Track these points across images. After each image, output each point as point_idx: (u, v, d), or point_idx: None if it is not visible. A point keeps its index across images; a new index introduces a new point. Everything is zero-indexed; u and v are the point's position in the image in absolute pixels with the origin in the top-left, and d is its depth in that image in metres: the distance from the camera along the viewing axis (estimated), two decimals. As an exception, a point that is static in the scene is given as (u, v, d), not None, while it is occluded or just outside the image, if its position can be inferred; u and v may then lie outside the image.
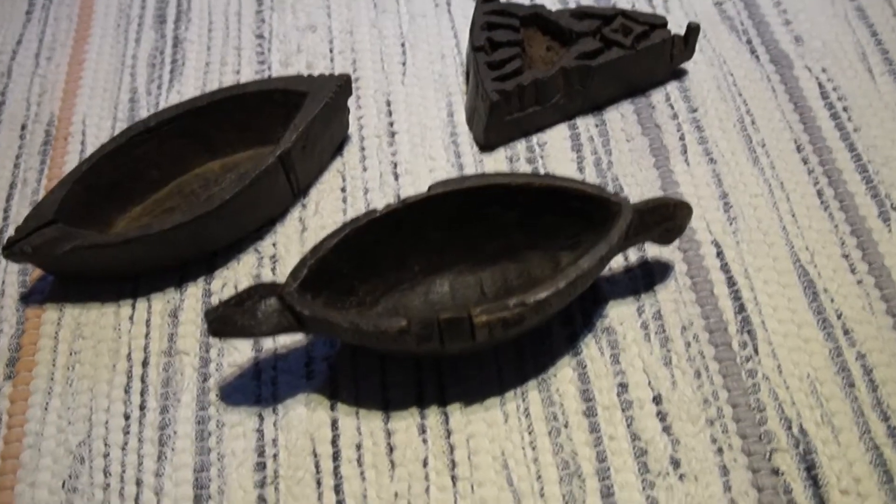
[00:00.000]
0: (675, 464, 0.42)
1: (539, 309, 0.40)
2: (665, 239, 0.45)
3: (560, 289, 0.40)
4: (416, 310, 0.45)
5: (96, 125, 0.56)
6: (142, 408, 0.45)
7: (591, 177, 0.51)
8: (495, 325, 0.39)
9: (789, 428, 0.42)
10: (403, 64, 0.57)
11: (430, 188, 0.44)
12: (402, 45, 0.58)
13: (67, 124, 0.57)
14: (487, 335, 0.40)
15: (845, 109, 0.53)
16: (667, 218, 0.43)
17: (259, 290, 0.41)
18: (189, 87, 0.57)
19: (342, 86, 0.50)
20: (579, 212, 0.44)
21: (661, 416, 0.43)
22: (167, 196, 0.51)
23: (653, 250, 0.48)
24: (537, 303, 0.39)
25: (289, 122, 0.49)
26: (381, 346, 0.41)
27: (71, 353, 0.47)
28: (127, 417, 0.45)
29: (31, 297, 0.50)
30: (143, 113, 0.56)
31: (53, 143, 0.56)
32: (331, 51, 0.58)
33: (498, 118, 0.51)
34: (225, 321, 0.41)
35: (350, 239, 0.43)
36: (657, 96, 0.54)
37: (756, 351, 0.45)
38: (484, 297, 0.45)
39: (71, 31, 0.62)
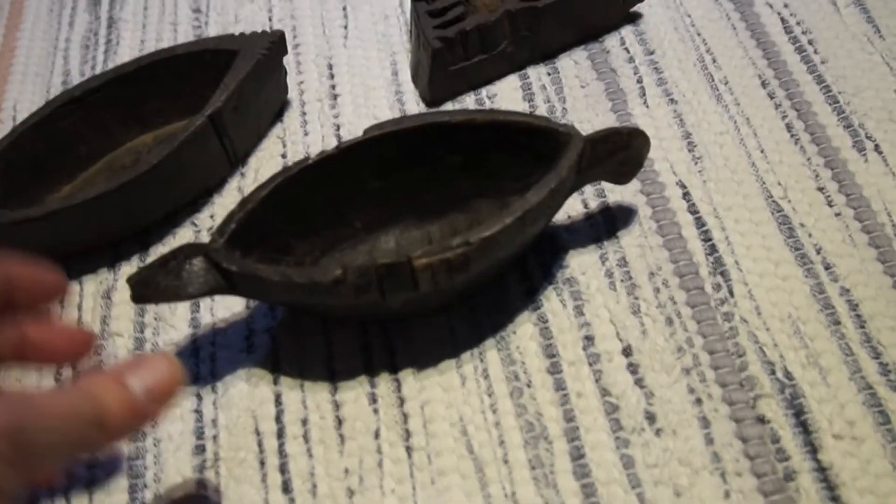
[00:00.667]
0: (651, 418, 0.36)
1: (485, 248, 0.34)
2: (622, 175, 0.39)
3: (507, 224, 0.34)
4: None
5: (27, 110, 0.50)
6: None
7: (546, 127, 0.46)
8: (438, 268, 0.33)
9: (773, 372, 0.37)
10: (345, 27, 0.52)
11: (365, 131, 0.38)
12: (344, 8, 0.53)
13: (-2, 110, 0.52)
14: (430, 281, 0.34)
15: (811, 42, 0.47)
16: (621, 147, 0.37)
17: (184, 250, 0.36)
18: (124, 67, 0.51)
19: (275, 42, 0.45)
20: (527, 149, 0.38)
21: (633, 368, 0.37)
22: (97, 173, 0.46)
23: (614, 195, 0.42)
24: (483, 241, 0.34)
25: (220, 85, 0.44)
26: (317, 301, 0.35)
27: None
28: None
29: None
30: (77, 95, 0.51)
31: (-17, 130, 0.51)
32: (270, 19, 0.52)
33: (442, 68, 0.45)
34: (147, 284, 0.35)
35: (282, 190, 0.37)
36: (611, 41, 0.49)
37: (731, 293, 0.39)
38: None
39: (2, 19, 0.56)
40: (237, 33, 0.51)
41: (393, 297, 0.35)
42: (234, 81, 0.43)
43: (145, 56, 0.45)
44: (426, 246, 0.39)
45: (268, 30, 0.51)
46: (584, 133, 0.37)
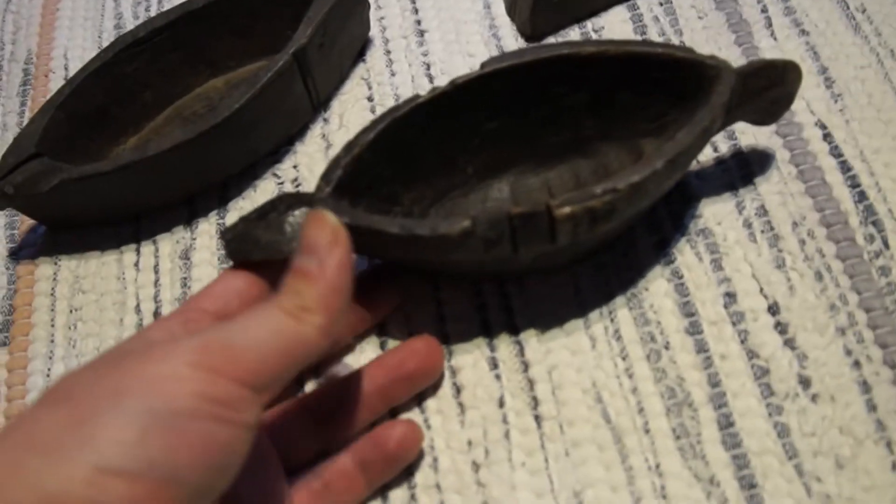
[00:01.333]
0: (805, 383, 0.33)
1: (633, 196, 0.31)
2: (770, 114, 0.36)
3: (657, 169, 0.31)
4: None
5: (80, 58, 0.47)
6: (155, 366, 0.37)
7: (659, 64, 0.42)
8: (581, 218, 0.30)
9: (939, 331, 0.34)
10: (433, -45, 0.48)
11: (482, 65, 0.35)
12: (425, -68, 0.49)
13: (47, 60, 0.48)
14: (571, 232, 0.31)
15: (954, -36, 0.44)
16: (775, 83, 0.34)
17: (285, 200, 0.32)
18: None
19: (360, -26, 0.41)
20: (664, 84, 0.35)
21: (781, 328, 0.34)
22: (165, 122, 0.43)
23: (746, 137, 0.39)
24: (631, 187, 0.31)
25: (298, 25, 0.40)
26: (440, 258, 0.32)
27: (71, 311, 0.40)
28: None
29: (22, 251, 0.42)
30: (132, 39, 0.47)
31: (33, 82, 0.48)
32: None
33: (544, 1, 0.42)
34: (244, 238, 0.32)
35: (390, 132, 0.34)
36: (728, -34, 0.45)
37: (886, 244, 0.36)
38: None
39: (43, -45, 0.52)
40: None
41: (527, 251, 0.32)
42: (318, 14, 0.39)
43: (215, -10, 0.42)
44: (546, 195, 0.36)
45: (341, -39, 0.48)
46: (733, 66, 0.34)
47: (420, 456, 0.33)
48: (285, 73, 0.38)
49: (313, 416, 0.33)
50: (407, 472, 0.33)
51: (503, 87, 0.35)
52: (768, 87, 0.34)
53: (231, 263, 0.32)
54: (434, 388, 0.35)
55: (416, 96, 0.35)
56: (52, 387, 0.26)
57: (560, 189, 0.37)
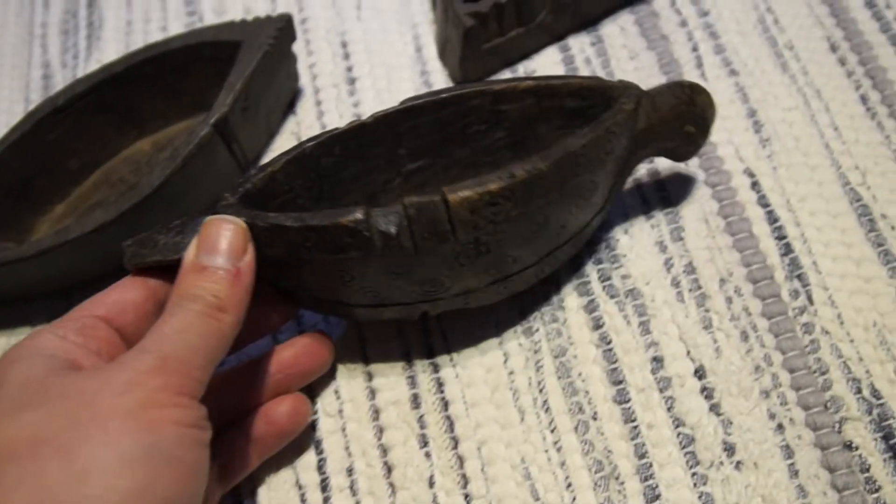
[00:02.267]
0: (730, 450, 0.34)
1: (531, 186, 0.30)
2: (689, 144, 0.35)
3: (560, 157, 0.31)
4: None
5: (6, 111, 0.46)
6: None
7: (590, 107, 0.42)
8: (478, 204, 0.30)
9: (859, 391, 0.34)
10: (357, -5, 0.47)
11: (402, 102, 0.35)
12: (353, -29, 0.48)
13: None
14: (470, 223, 0.30)
15: (883, -6, 0.43)
16: (683, 101, 0.34)
17: (192, 216, 0.33)
18: (110, 53, 0.46)
19: (283, 28, 0.40)
20: (579, 114, 0.35)
21: (707, 392, 0.35)
22: (92, 188, 0.42)
23: (675, 187, 0.39)
24: (527, 173, 0.30)
25: (224, 81, 0.39)
26: (338, 259, 0.31)
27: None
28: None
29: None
30: (61, 88, 0.46)
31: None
32: (270, -12, 0.48)
33: (474, 47, 0.41)
34: (144, 243, 0.32)
35: (306, 157, 0.34)
36: (660, 1, 0.44)
37: (810, 300, 0.36)
38: None
39: (-34, 0, 0.51)
40: (237, 16, 0.47)
41: (426, 247, 0.31)
42: (239, 79, 0.38)
43: (136, 52, 0.40)
44: None
45: (269, 2, 0.47)
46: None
47: (355, 537, 0.34)
48: (206, 144, 0.38)
49: (209, 403, 0.32)
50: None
51: (422, 125, 0.35)
52: (678, 107, 0.34)
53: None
54: (366, 467, 0.35)
55: (337, 128, 0.35)
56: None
57: None
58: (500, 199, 0.30)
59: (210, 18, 0.47)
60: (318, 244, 0.30)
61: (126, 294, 0.31)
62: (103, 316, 0.30)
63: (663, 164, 0.40)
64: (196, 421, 0.26)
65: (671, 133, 0.35)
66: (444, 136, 0.36)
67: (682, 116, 0.34)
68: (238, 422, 0.33)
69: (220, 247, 0.29)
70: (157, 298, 0.31)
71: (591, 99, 0.35)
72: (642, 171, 0.40)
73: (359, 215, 0.30)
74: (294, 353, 0.35)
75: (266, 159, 0.42)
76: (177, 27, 0.47)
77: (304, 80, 0.44)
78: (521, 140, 0.37)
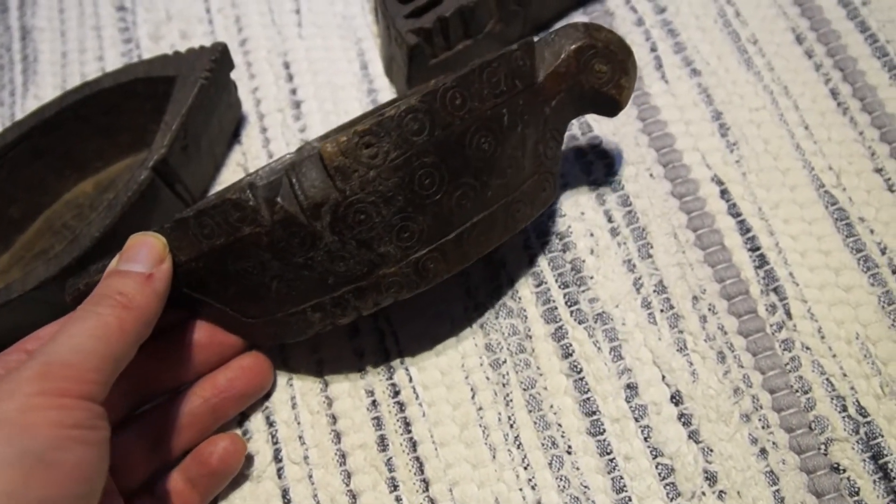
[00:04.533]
0: (711, 479, 0.32)
1: (404, 123, 0.28)
2: (611, 92, 0.33)
3: (427, 93, 0.28)
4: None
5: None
6: None
7: (549, 117, 0.39)
8: (349, 145, 0.28)
9: (844, 409, 0.32)
10: (297, 11, 0.44)
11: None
12: (293, -14, 0.45)
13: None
14: (348, 167, 0.28)
15: (848, -23, 0.40)
16: (582, 41, 0.32)
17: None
18: (47, 88, 0.44)
19: (218, 59, 0.37)
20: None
21: (685, 419, 0.33)
22: (36, 235, 0.39)
23: (640, 201, 0.36)
24: (398, 110, 0.28)
25: (161, 116, 0.37)
26: (230, 236, 0.29)
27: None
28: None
29: None
30: (-2, 128, 0.43)
31: None
32: (207, 10, 0.44)
33: (421, 64, 0.38)
34: (80, 275, 0.33)
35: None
36: (614, 0, 0.41)
37: (788, 314, 0.34)
38: None
39: None
40: (173, 41, 0.44)
41: (315, 212, 0.28)
42: (175, 118, 0.36)
43: (68, 93, 0.38)
44: None
45: (206, 24, 0.44)
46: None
47: None
48: (147, 190, 0.35)
49: (146, 438, 0.33)
50: None
51: None
52: (578, 48, 0.32)
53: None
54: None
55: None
56: None
57: None
58: (372, 136, 0.28)
59: (146, 44, 0.44)
60: (215, 228, 0.29)
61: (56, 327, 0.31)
62: (32, 350, 0.30)
63: (627, 174, 0.37)
64: (81, 421, 0.26)
65: (583, 76, 0.32)
66: None
67: (587, 56, 0.32)
68: (176, 461, 0.33)
69: (139, 255, 0.30)
70: None
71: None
72: (606, 186, 0.37)
73: (243, 185, 0.29)
74: (228, 376, 0.34)
75: (213, 193, 0.40)
76: (112, 55, 0.44)
77: (248, 105, 0.42)
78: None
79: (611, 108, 0.33)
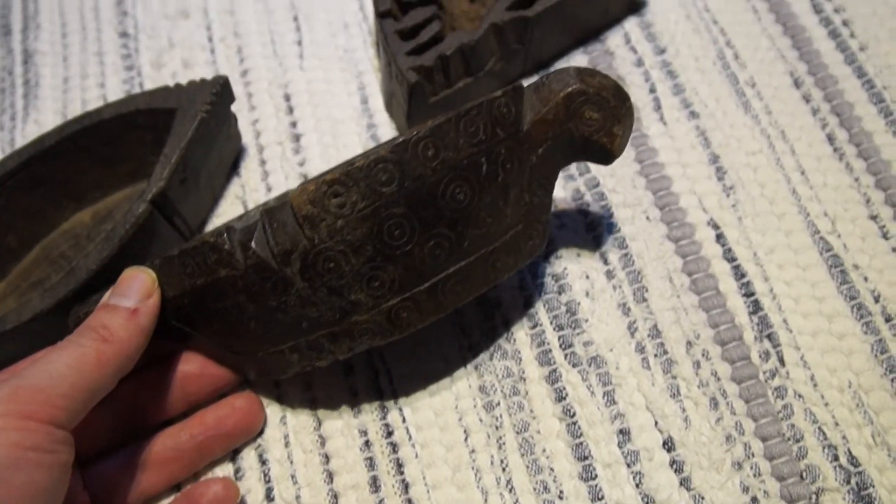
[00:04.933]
0: (702, 527, 0.32)
1: (373, 174, 0.28)
2: (603, 140, 0.31)
3: (398, 143, 0.28)
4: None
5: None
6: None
7: (547, 155, 0.39)
8: (317, 194, 0.28)
9: (835, 458, 0.32)
10: (299, 43, 0.44)
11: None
12: (295, 18, 0.45)
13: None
14: (316, 216, 0.28)
15: (846, 23, 0.40)
16: (574, 86, 0.31)
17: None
18: (48, 113, 0.44)
19: (218, 92, 0.38)
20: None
21: (677, 466, 0.33)
22: (33, 264, 0.39)
23: (636, 244, 0.37)
24: (368, 160, 0.27)
25: (161, 148, 0.37)
26: (208, 276, 0.30)
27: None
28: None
29: None
30: (-2, 154, 0.43)
31: None
32: (210, 39, 0.45)
33: (421, 101, 0.38)
34: (83, 304, 0.34)
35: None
36: (615, 39, 0.42)
37: (782, 361, 0.34)
38: None
39: None
40: (175, 69, 0.44)
41: (286, 258, 0.29)
42: (175, 151, 0.36)
43: (68, 123, 0.38)
44: None
45: (208, 52, 0.44)
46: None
47: None
48: (146, 223, 0.35)
49: (130, 469, 0.33)
50: None
51: None
52: (568, 94, 0.31)
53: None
54: None
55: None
56: None
57: None
58: (340, 186, 0.28)
59: (147, 72, 0.44)
60: (195, 269, 0.30)
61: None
62: None
63: (623, 216, 0.37)
64: (40, 444, 0.26)
65: (573, 124, 0.31)
66: None
67: (577, 102, 0.31)
68: (159, 496, 0.34)
69: (129, 290, 0.31)
70: None
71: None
72: (602, 228, 0.37)
73: (221, 229, 0.29)
74: (218, 415, 0.35)
75: (211, 225, 0.40)
76: (114, 82, 0.44)
77: (248, 137, 0.42)
78: None
79: (603, 156, 0.32)
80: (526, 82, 0.41)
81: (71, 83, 0.44)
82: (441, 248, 0.30)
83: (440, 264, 0.30)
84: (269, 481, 0.34)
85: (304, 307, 0.30)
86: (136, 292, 0.31)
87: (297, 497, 0.34)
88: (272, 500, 0.34)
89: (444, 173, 0.29)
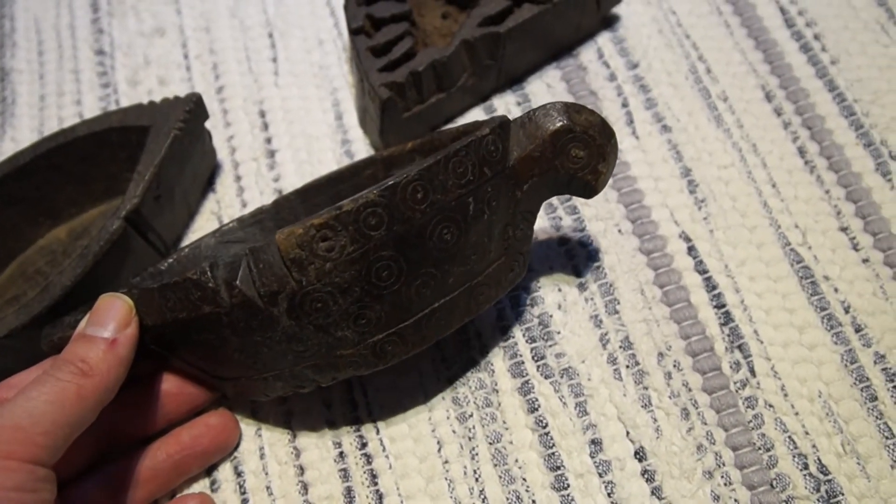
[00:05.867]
0: (674, 536, 0.33)
1: (362, 217, 0.28)
2: (587, 177, 0.32)
3: (387, 187, 0.28)
4: None
5: (-81, 193, 0.44)
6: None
7: (521, 169, 0.40)
8: (305, 238, 0.28)
9: (805, 467, 0.33)
10: (274, 60, 0.45)
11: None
12: (270, 34, 0.46)
13: None
14: (304, 259, 0.29)
15: (817, 37, 0.42)
16: (561, 123, 0.31)
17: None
18: (24, 131, 0.45)
19: (192, 110, 0.39)
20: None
21: (648, 475, 0.34)
22: (8, 281, 0.40)
23: (609, 257, 0.38)
24: (356, 204, 0.28)
25: (135, 166, 0.38)
26: (192, 312, 0.30)
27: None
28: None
29: None
30: (-27, 170, 0.44)
31: None
32: (185, 56, 0.46)
33: (394, 117, 0.40)
34: (55, 325, 0.35)
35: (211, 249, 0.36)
36: (587, 54, 0.43)
37: (752, 372, 0.35)
38: None
39: None
40: (151, 86, 0.46)
41: (272, 298, 0.29)
42: (149, 169, 0.37)
43: (42, 141, 0.39)
44: None
45: (184, 70, 0.45)
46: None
47: None
48: (120, 239, 0.36)
49: (107, 489, 0.34)
50: None
51: (321, 203, 0.37)
52: (555, 131, 0.31)
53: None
54: None
55: (242, 217, 0.35)
56: None
57: None
58: (328, 230, 0.28)
59: (124, 89, 0.45)
60: (177, 303, 0.31)
61: (32, 375, 0.33)
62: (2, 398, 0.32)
63: (595, 229, 0.38)
64: (22, 484, 0.27)
65: (559, 161, 0.32)
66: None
67: (564, 139, 0.32)
68: None
69: (106, 320, 0.31)
70: None
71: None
72: (575, 241, 0.39)
73: (204, 266, 0.30)
74: (193, 433, 0.36)
75: (186, 241, 0.41)
76: (90, 99, 0.45)
77: (223, 153, 0.43)
78: None
79: (586, 192, 0.33)
80: (499, 98, 0.42)
81: (47, 101, 0.46)
82: (427, 286, 0.31)
83: (426, 301, 0.31)
84: (244, 493, 0.35)
85: (289, 342, 0.31)
86: (113, 321, 0.31)
87: (271, 511, 0.35)
88: (245, 513, 0.35)
89: (432, 215, 0.29)
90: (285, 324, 0.30)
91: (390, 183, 0.29)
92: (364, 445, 0.36)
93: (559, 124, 0.32)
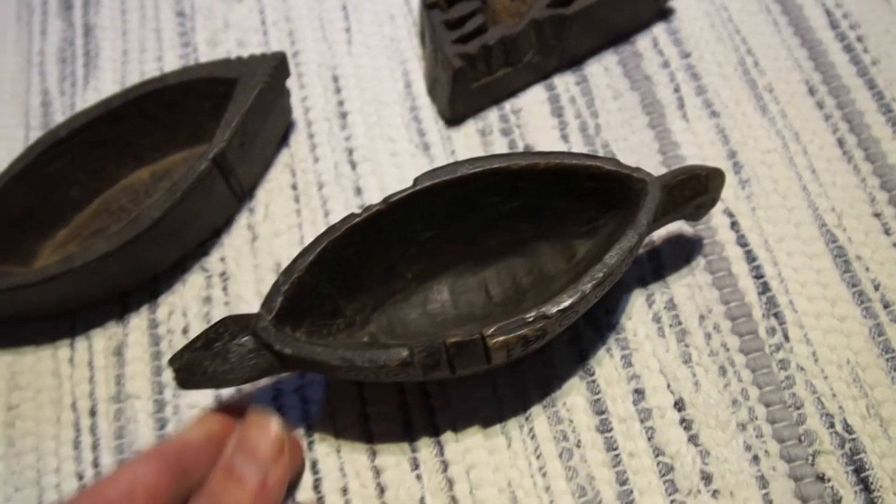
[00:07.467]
0: (707, 479, 0.37)
1: (563, 319, 0.34)
2: (695, 216, 0.39)
3: (586, 293, 0.34)
4: (414, 323, 0.39)
5: (7, 137, 0.49)
6: (95, 465, 0.40)
7: (577, 145, 0.45)
8: (514, 344, 0.34)
9: (832, 425, 0.37)
10: (347, 30, 0.50)
11: (415, 181, 0.37)
12: (344, 7, 0.51)
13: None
14: (505, 356, 0.34)
15: (860, 39, 0.47)
16: (699, 192, 0.37)
17: (228, 326, 0.35)
18: (107, 82, 0.50)
19: (277, 66, 0.43)
20: (594, 193, 0.38)
21: (686, 424, 0.38)
22: (93, 215, 0.45)
23: (659, 230, 0.42)
24: (561, 312, 0.34)
25: (220, 115, 0.43)
26: (380, 380, 0.35)
27: (9, 408, 0.42)
28: (80, 478, 0.40)
29: (-48, 346, 0.44)
30: (59, 117, 0.49)
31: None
32: (263, 23, 0.51)
33: (463, 87, 0.44)
34: (192, 369, 0.34)
35: (328, 253, 0.36)
36: (643, 42, 0.48)
37: (787, 337, 0.39)
38: (490, 301, 0.39)
39: (-38, 26, 0.54)
40: (230, 47, 0.50)
41: (464, 372, 0.35)
42: (236, 116, 0.42)
43: (133, 88, 0.43)
44: (483, 295, 0.39)
45: (261, 35, 0.50)
46: (655, 175, 0.38)
47: (346, 561, 0.37)
48: (205, 178, 0.41)
49: None
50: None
51: (438, 200, 0.38)
52: (692, 197, 0.37)
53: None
54: (361, 488, 0.38)
55: (353, 215, 0.37)
56: None
57: (497, 288, 0.39)
58: (534, 337, 0.34)
59: (203, 49, 0.50)
60: (363, 375, 0.34)
61: (136, 472, 0.32)
62: (112, 497, 0.31)
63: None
64: None
65: (684, 213, 0.38)
66: (458, 207, 0.39)
67: (696, 202, 0.37)
68: None
69: (256, 453, 0.32)
70: (169, 474, 0.32)
71: (609, 183, 0.37)
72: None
73: (405, 355, 0.33)
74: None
75: (261, 189, 0.45)
76: (171, 57, 0.50)
77: (297, 112, 0.48)
78: (537, 209, 0.39)
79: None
80: (559, 77, 0.47)
81: (130, 56, 0.50)
82: None
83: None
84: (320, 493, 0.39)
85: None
86: (263, 458, 0.32)
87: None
88: None
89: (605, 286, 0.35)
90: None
91: (587, 289, 0.34)
92: (433, 418, 0.40)
93: (700, 192, 0.37)
